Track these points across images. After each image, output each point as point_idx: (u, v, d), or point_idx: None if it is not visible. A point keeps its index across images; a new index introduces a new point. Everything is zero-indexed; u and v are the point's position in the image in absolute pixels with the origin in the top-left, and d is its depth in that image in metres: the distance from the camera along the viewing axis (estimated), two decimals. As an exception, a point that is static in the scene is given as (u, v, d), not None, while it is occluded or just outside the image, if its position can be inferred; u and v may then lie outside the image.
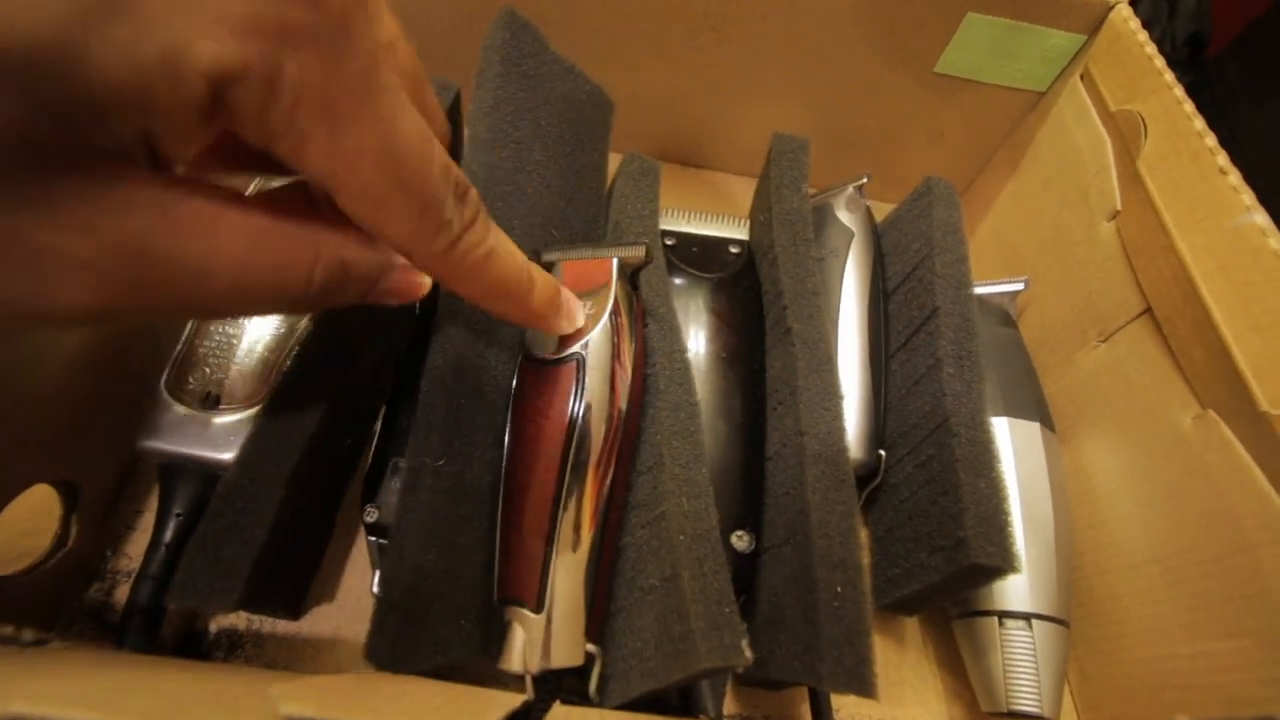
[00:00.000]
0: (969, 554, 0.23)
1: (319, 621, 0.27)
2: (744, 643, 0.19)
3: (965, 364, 0.28)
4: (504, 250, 0.18)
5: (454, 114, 0.31)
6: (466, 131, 0.26)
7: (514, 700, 0.18)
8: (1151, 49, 0.30)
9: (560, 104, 0.28)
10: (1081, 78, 0.34)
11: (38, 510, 0.25)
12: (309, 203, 0.17)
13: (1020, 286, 0.36)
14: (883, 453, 0.30)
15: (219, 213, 0.13)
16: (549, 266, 0.24)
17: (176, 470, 0.25)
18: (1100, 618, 0.29)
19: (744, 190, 0.45)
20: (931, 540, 0.25)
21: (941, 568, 0.24)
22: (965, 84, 0.37)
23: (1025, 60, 0.35)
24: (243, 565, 0.20)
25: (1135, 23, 0.32)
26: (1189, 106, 0.28)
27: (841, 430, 0.25)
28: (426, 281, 0.18)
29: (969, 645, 0.28)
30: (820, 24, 0.35)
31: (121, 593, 0.27)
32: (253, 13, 0.11)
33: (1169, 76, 0.29)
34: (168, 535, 0.24)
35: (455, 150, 0.33)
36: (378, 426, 0.27)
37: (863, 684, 0.21)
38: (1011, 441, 0.29)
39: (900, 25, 0.35)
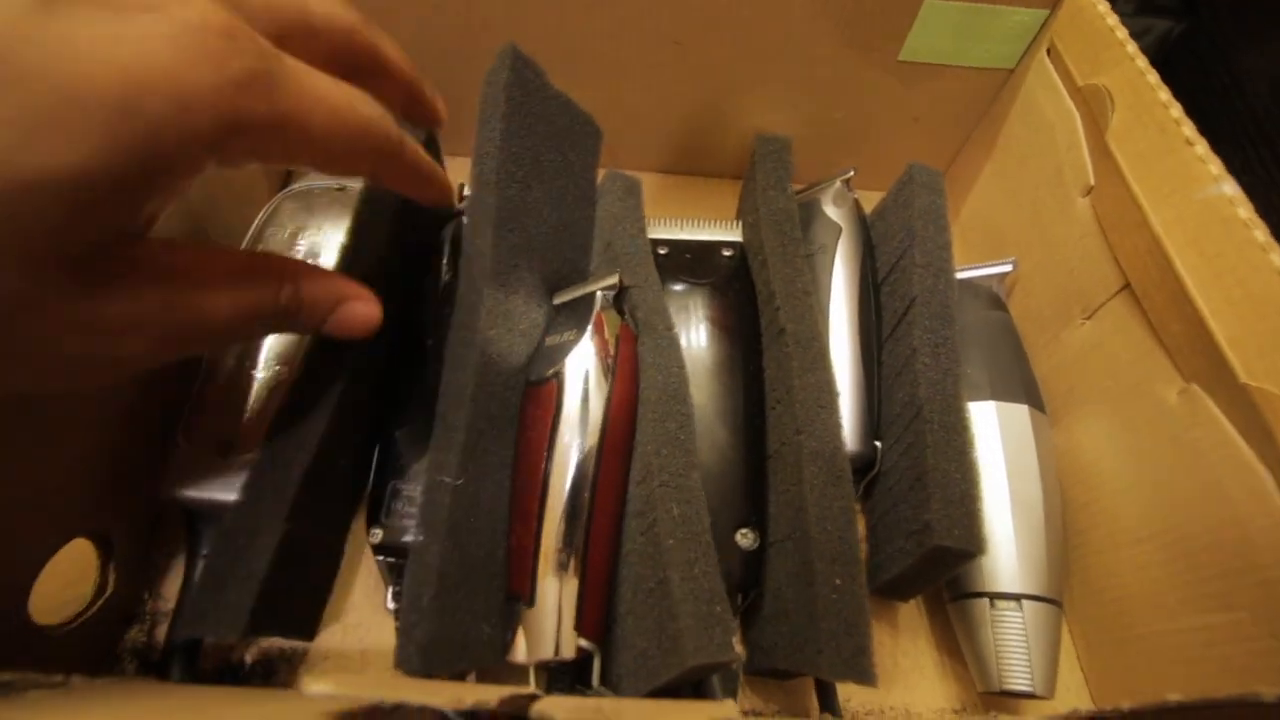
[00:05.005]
0: (933, 537, 0.24)
1: (347, 638, 0.29)
2: (734, 639, 0.20)
3: (941, 351, 0.28)
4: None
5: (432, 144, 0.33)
6: (472, 168, 0.26)
7: (524, 689, 0.19)
8: (1114, 20, 0.30)
9: (557, 138, 0.29)
10: (1048, 52, 0.34)
11: (79, 562, 0.27)
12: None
13: (1008, 268, 0.36)
14: (879, 444, 0.30)
15: (208, 260, 0.17)
16: (558, 309, 0.28)
17: (200, 515, 0.27)
18: (1102, 595, 0.29)
19: (735, 192, 0.45)
20: (907, 525, 0.26)
21: (913, 551, 0.25)
22: (933, 68, 0.37)
23: (989, 40, 0.35)
24: (246, 598, 0.22)
25: (1097, -7, 0.32)
26: (1153, 77, 0.28)
27: (838, 427, 0.26)
28: (375, 316, 0.22)
29: (963, 627, 0.28)
30: (777, 25, 0.35)
31: (161, 632, 0.29)
32: (216, 83, 0.15)
33: (1131, 48, 0.29)
34: (197, 576, 0.26)
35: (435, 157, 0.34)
36: (375, 454, 0.28)
37: (861, 673, 0.22)
38: (999, 426, 0.30)
39: (858, 17, 0.35)
